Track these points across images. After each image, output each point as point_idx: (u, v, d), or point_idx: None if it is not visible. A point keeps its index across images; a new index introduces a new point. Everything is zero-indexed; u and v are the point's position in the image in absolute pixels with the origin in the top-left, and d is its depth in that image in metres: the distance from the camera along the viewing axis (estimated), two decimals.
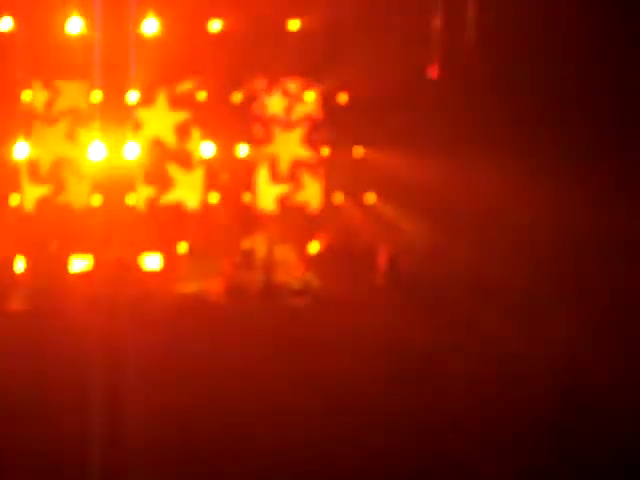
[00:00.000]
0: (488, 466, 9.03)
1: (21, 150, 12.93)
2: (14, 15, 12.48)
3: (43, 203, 13.17)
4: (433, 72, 12.86)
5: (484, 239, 12.13)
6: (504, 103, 12.14)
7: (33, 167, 13.08)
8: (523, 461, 9.12)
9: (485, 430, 9.51)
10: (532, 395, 9.98)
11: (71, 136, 13.19)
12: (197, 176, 13.48)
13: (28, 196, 13.13)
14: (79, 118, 13.17)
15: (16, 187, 13.07)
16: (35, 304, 12.59)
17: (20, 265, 12.83)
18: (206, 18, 12.96)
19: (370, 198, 13.38)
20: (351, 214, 13.63)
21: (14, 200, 13.02)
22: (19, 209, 13.09)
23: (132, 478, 9.00)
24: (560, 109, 12.16)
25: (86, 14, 12.60)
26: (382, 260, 13.05)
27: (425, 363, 10.64)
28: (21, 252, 12.86)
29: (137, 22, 12.72)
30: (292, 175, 13.64)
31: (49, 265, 13.01)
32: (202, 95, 13.26)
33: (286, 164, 13.52)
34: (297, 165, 13.57)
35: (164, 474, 9.07)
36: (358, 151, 13.33)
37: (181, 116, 13.36)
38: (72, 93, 13.15)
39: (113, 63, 12.61)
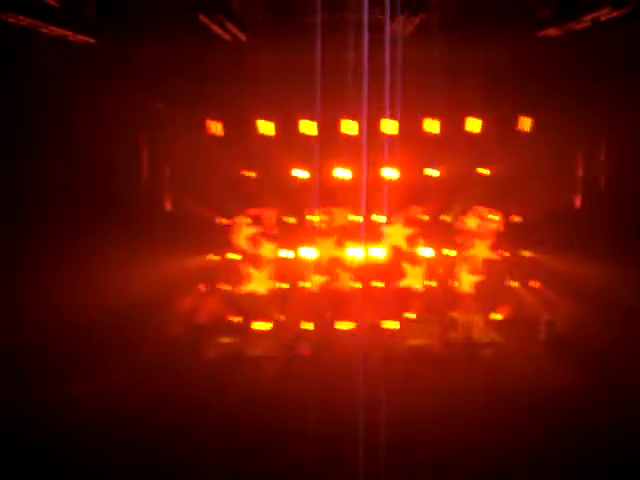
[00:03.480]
0: None
1: (309, 253, 15.36)
2: (306, 167, 14.97)
3: (322, 286, 15.37)
4: (578, 202, 14.77)
5: (618, 315, 13.20)
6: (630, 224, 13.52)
7: (317, 263, 15.36)
8: None
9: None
10: None
11: (340, 243, 15.39)
12: (420, 269, 15.40)
13: (314, 282, 15.40)
14: (345, 232, 15.34)
15: (306, 277, 15.45)
16: (316, 351, 14.35)
17: (307, 326, 14.96)
18: (425, 167, 15.11)
19: (535, 284, 15.17)
20: (521, 295, 15.23)
21: (306, 284, 15.42)
22: (308, 290, 15.40)
23: None
24: None
25: (351, 166, 14.95)
26: (544, 325, 14.53)
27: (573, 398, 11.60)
28: (307, 318, 15.06)
29: (381, 171, 14.93)
30: (484, 269, 15.28)
31: (325, 327, 15.00)
32: (425, 217, 15.39)
33: (479, 262, 15.26)
34: (487, 262, 15.30)
35: None
36: (527, 254, 15.15)
37: (410, 231, 15.36)
38: (341, 215, 15.37)
39: (368, 196, 14.87)
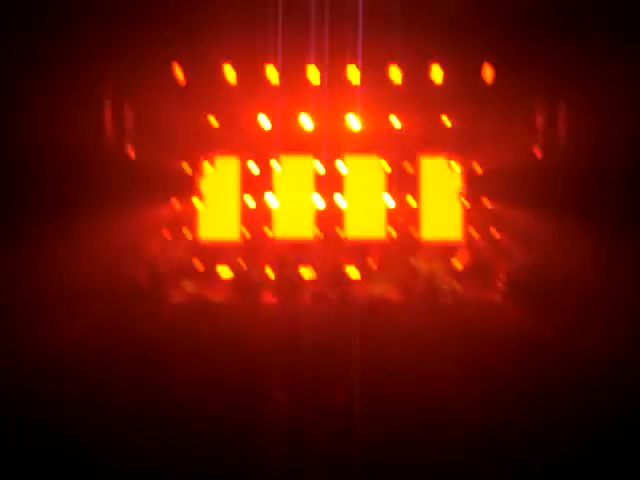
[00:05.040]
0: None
1: (272, 200, 15.32)
2: (269, 115, 14.80)
3: (285, 234, 15.39)
4: (538, 153, 14.55)
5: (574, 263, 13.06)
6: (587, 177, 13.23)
7: (280, 211, 15.35)
8: None
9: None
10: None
11: (302, 192, 15.45)
12: (381, 218, 15.55)
13: (277, 230, 15.47)
14: (308, 180, 15.41)
15: (269, 224, 15.45)
16: (282, 299, 14.21)
17: (270, 273, 14.76)
18: (387, 115, 15.00)
19: (495, 234, 15.17)
20: (481, 243, 15.29)
21: (269, 233, 15.43)
22: (271, 238, 15.43)
23: None
24: None
25: (314, 116, 14.83)
26: (502, 274, 14.34)
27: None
28: (270, 266, 14.84)
29: (344, 119, 14.88)
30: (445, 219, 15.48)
31: (289, 274, 14.73)
32: (385, 164, 15.41)
33: (440, 211, 15.42)
34: (448, 212, 15.41)
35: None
36: (487, 202, 15.20)
37: (372, 179, 15.49)
38: (303, 164, 15.49)
39: (330, 145, 14.91)
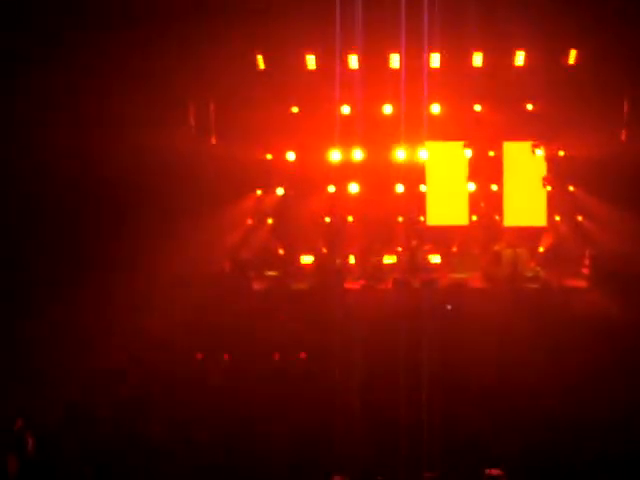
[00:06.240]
0: None
1: (353, 188, 15.02)
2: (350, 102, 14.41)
3: (366, 220, 15.22)
4: (623, 136, 14.12)
5: None
6: None
7: (361, 198, 15.12)
8: None
9: None
10: None
11: (384, 179, 15.08)
12: (464, 204, 15.38)
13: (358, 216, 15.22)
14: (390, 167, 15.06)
15: (351, 211, 15.30)
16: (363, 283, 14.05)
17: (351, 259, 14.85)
18: (469, 101, 14.69)
19: (579, 219, 15.00)
20: (565, 229, 15.10)
21: (350, 219, 15.32)
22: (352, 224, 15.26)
23: None
24: None
25: (393, 102, 14.56)
26: (587, 259, 14.20)
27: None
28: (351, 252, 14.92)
29: (425, 105, 14.09)
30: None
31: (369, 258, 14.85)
32: (470, 152, 15.02)
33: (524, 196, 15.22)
34: (531, 197, 15.16)
35: None
36: (571, 188, 14.94)
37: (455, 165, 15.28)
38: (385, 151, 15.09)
39: (412, 131, 14.22)
